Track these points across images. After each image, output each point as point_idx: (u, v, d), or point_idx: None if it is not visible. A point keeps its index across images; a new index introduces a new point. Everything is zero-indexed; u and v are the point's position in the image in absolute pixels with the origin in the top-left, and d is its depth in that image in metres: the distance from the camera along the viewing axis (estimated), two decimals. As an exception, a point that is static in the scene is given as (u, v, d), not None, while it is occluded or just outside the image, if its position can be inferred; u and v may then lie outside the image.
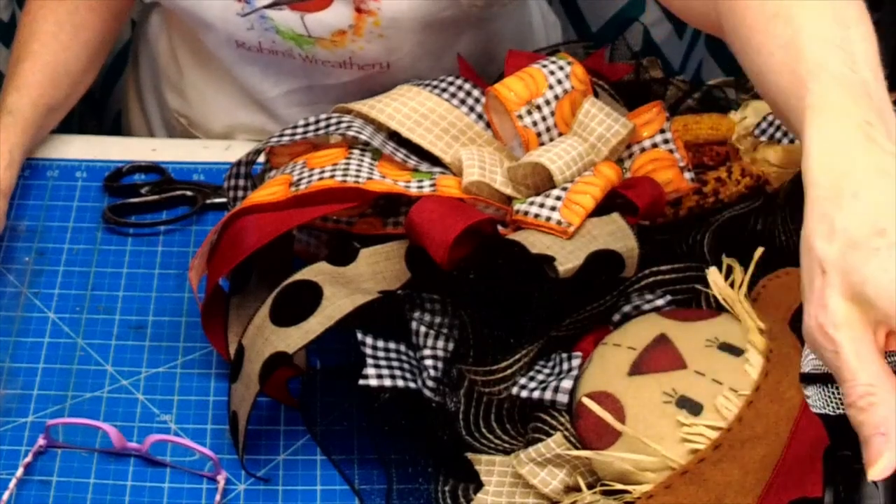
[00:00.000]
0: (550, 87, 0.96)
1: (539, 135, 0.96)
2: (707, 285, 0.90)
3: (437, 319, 0.89)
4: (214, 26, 1.08)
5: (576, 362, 0.87)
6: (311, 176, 0.92)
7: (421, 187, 0.92)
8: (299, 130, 0.95)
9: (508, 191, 0.93)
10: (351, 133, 0.94)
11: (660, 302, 0.91)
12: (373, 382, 0.84)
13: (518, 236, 0.89)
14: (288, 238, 0.95)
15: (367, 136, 0.94)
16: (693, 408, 0.81)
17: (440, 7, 1.04)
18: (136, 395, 0.94)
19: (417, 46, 1.08)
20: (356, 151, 0.95)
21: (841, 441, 0.64)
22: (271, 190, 0.92)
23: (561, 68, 0.98)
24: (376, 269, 0.90)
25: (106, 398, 0.93)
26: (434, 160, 0.96)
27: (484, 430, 0.87)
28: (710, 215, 0.99)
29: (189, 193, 1.10)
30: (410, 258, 0.90)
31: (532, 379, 0.87)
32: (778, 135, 1.04)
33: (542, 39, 1.31)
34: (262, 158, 1.00)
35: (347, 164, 0.93)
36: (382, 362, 0.86)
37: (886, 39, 1.28)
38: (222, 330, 0.94)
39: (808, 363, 0.65)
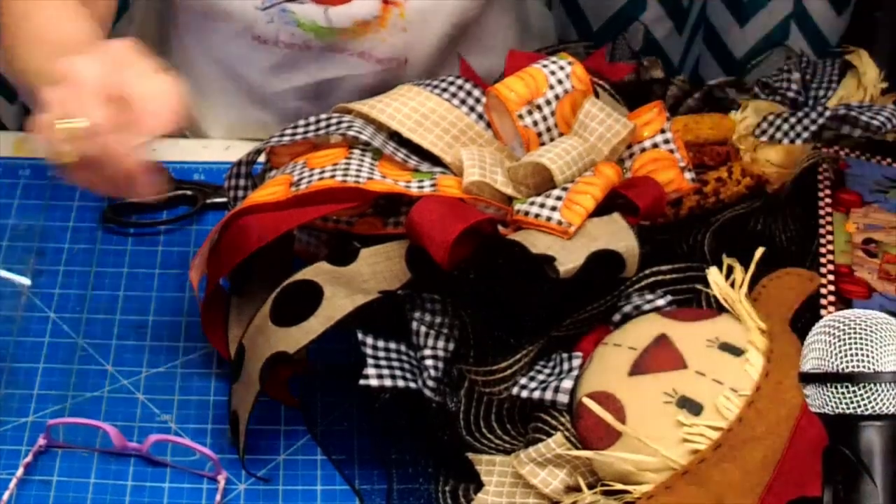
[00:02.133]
0: (551, 86, 0.96)
1: (540, 135, 0.96)
2: (707, 285, 0.90)
3: (438, 319, 0.88)
4: (232, 19, 1.09)
5: (576, 362, 0.87)
6: (311, 176, 0.92)
7: (421, 187, 0.92)
8: (300, 130, 0.95)
9: (509, 191, 0.93)
10: (351, 133, 0.94)
11: (660, 302, 0.91)
12: (373, 382, 0.84)
13: (518, 236, 0.89)
14: (288, 238, 0.95)
15: (368, 137, 0.93)
16: (693, 408, 0.81)
17: (467, 7, 1.04)
18: (137, 395, 0.94)
19: (437, 43, 1.08)
20: (356, 151, 0.95)
21: (840, 440, 0.64)
22: (271, 190, 0.92)
23: (561, 68, 0.97)
24: (376, 269, 0.90)
25: (106, 398, 0.93)
26: (435, 160, 0.96)
27: (484, 430, 0.87)
28: (711, 215, 0.99)
29: (189, 193, 1.10)
30: (410, 258, 0.90)
31: (532, 379, 0.87)
32: (778, 135, 1.03)
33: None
34: (262, 158, 0.99)
35: (348, 164, 0.93)
36: (383, 362, 0.86)
37: (886, 39, 1.27)
38: (222, 330, 0.94)
39: (808, 362, 0.65)
